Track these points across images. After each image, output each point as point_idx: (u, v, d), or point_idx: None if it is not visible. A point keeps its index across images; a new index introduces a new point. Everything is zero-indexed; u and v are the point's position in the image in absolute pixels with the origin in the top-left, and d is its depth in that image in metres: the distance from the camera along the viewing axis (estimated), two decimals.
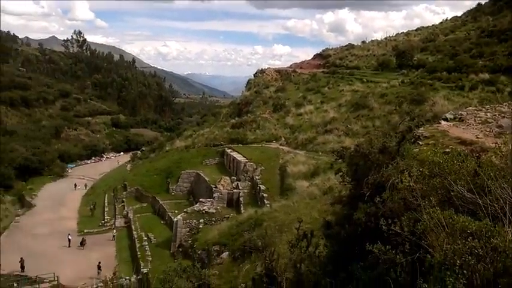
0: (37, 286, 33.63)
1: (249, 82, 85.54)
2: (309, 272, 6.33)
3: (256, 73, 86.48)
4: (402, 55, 60.31)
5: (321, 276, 6.16)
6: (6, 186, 67.87)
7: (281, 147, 46.64)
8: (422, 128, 10.55)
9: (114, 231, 45.64)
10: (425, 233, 4.23)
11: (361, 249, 6.05)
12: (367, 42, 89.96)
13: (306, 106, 56.40)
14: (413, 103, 39.99)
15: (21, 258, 37.06)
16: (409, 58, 58.75)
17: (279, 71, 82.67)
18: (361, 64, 70.24)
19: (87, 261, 37.86)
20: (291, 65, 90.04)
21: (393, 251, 4.77)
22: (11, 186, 68.79)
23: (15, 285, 32.84)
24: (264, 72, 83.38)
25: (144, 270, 32.51)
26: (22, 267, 36.59)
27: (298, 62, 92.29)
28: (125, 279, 30.64)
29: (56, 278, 34.11)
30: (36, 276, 34.60)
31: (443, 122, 10.45)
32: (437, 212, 4.18)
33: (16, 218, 53.81)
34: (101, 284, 33.22)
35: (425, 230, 4.21)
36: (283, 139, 49.78)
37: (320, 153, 39.00)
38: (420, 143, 9.03)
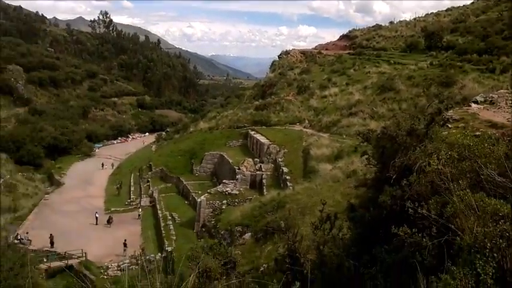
0: (66, 262, 34.75)
1: (273, 64, 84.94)
2: (332, 254, 6.30)
3: (280, 54, 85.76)
4: (431, 36, 58.66)
5: (344, 258, 6.13)
6: (36, 164, 69.85)
7: (305, 129, 46.37)
8: (451, 111, 10.29)
9: (140, 210, 46.54)
10: (455, 215, 4.13)
11: (386, 232, 5.98)
12: (395, 23, 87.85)
13: (331, 88, 55.72)
14: (441, 86, 39.03)
15: (51, 234, 38.24)
16: (438, 39, 57.12)
17: (303, 53, 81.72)
18: (388, 45, 68.74)
19: (113, 238, 38.80)
20: (316, 47, 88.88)
21: (419, 234, 4.68)
22: (41, 165, 70.76)
23: (45, 260, 33.97)
24: (289, 53, 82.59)
25: (169, 249, 33.15)
26: (52, 243, 37.76)
27: (324, 43, 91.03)
28: (151, 256, 31.34)
29: (83, 254, 35.19)
30: (65, 252, 35.69)
31: (473, 105, 10.15)
32: (468, 195, 4.07)
33: (45, 195, 55.37)
34: (127, 261, 34.12)
35: (455, 212, 4.11)
36: (306, 121, 49.45)
37: (344, 136, 38.63)
38: (449, 125, 8.80)
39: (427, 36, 59.85)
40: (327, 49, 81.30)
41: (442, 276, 3.47)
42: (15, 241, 36.47)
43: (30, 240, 38.23)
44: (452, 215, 4.17)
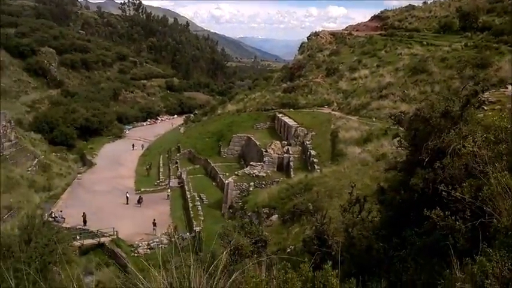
0: (98, 239, 35.86)
1: (302, 45, 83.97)
2: (362, 236, 6.26)
3: (309, 36, 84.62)
4: (466, 17, 56.55)
5: (374, 240, 6.09)
6: (69, 145, 71.83)
7: (333, 112, 45.89)
8: (487, 93, 9.96)
9: (169, 190, 47.34)
10: (491, 198, 4.02)
11: (417, 215, 5.89)
12: (428, 3, 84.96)
13: (361, 70, 54.75)
14: (476, 67, 37.74)
15: (84, 213, 39.42)
16: (474, 20, 55.02)
17: (333, 34, 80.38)
18: (421, 26, 66.76)
19: (143, 218, 39.68)
20: (346, 28, 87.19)
21: (452, 217, 4.59)
22: (74, 146, 72.72)
23: (78, 237, 35.11)
24: (318, 35, 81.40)
25: (197, 229, 33.70)
26: (84, 221, 38.94)
27: (354, 24, 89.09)
28: (184, 234, 31.98)
29: (115, 233, 36.19)
30: (97, 230, 36.79)
31: (510, 87, 9.79)
32: (506, 177, 3.94)
33: (78, 175, 56.97)
34: (157, 240, 34.93)
35: (491, 195, 3.99)
36: (335, 104, 48.89)
37: (374, 119, 38.04)
38: (485, 108, 8.53)
39: (462, 17, 57.74)
40: (357, 30, 79.65)
41: (477, 258, 3.40)
42: (50, 219, 37.74)
43: (64, 218, 39.51)
44: (488, 198, 4.06)
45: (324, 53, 69.38)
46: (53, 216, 39.37)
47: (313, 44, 78.20)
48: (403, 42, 60.72)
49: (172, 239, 25.14)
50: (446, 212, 4.76)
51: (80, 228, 37.70)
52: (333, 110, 47.36)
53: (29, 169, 52.82)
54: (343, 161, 28.17)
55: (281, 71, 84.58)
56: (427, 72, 43.91)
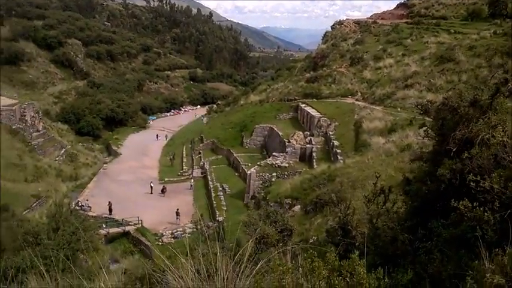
0: (123, 228, 36.59)
1: (325, 35, 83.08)
2: (386, 227, 6.20)
3: (333, 25, 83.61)
4: (495, 3, 54.78)
5: (399, 231, 6.02)
6: (95, 135, 73.25)
7: (357, 102, 45.37)
8: None
9: (192, 180, 47.83)
10: None
11: (443, 206, 5.79)
12: None
13: (386, 59, 53.85)
14: (506, 56, 36.63)
15: (109, 202, 40.22)
16: (504, 7, 53.27)
17: (358, 23, 79.16)
18: (448, 14, 65.10)
19: (167, 207, 40.24)
20: (371, 16, 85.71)
21: (481, 208, 4.50)
22: (99, 136, 74.13)
23: (104, 226, 35.88)
24: (342, 24, 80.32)
25: (220, 219, 34.00)
26: (110, 210, 39.76)
27: (380, 12, 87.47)
28: (209, 223, 32.30)
29: (139, 222, 36.86)
30: (123, 219, 37.52)
31: None
32: None
33: (104, 165, 58.07)
34: (180, 229, 35.42)
35: None
36: (359, 94, 48.29)
37: (399, 109, 37.45)
38: None
39: (491, 4, 55.98)
40: (382, 18, 78.22)
41: (507, 249, 3.33)
42: (77, 207, 38.66)
43: (90, 207, 40.42)
44: None
45: (348, 42, 68.47)
46: (80, 205, 40.31)
47: (337, 33, 77.24)
48: (430, 30, 59.37)
49: (198, 227, 25.48)
50: (475, 203, 4.67)
51: (105, 217, 38.52)
52: (356, 99, 46.82)
53: (57, 159, 54.12)
54: (366, 152, 27.88)
55: (304, 60, 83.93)
56: (454, 61, 42.88)
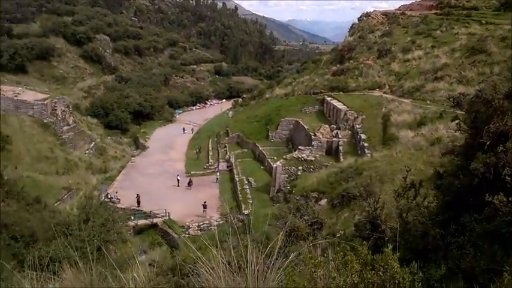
0: (151, 220, 37.21)
1: (352, 27, 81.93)
2: (417, 222, 6.10)
3: (360, 17, 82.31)
4: None
5: (430, 226, 5.91)
6: (123, 129, 74.55)
7: (385, 95, 44.65)
8: None
9: (218, 174, 48.16)
10: None
11: (476, 200, 5.65)
12: None
13: (415, 51, 52.73)
14: None
15: (137, 194, 40.94)
16: None
17: (385, 14, 77.67)
18: (480, 4, 63.15)
19: (193, 200, 40.67)
20: (399, 7, 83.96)
21: None
22: (127, 129, 75.42)
23: (132, 218, 36.57)
24: (369, 15, 78.97)
25: (246, 212, 34.16)
26: (138, 202, 40.47)
27: (408, 3, 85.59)
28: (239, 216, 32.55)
29: (167, 214, 37.39)
30: (150, 211, 38.16)
31: None
32: None
33: (132, 158, 59.09)
34: (207, 222, 35.77)
35: None
36: (387, 87, 47.50)
37: (428, 102, 36.68)
38: None
39: None
40: (411, 9, 76.53)
41: None
42: (106, 199, 39.56)
43: (119, 199, 41.23)
44: None
45: (375, 34, 67.33)
46: (109, 197, 41.17)
47: (364, 25, 76.05)
48: (460, 21, 57.75)
49: (228, 220, 25.71)
50: (510, 198, 4.54)
51: (134, 209, 39.23)
52: (384, 92, 46.09)
53: (86, 152, 55.37)
54: (395, 145, 27.44)
55: (330, 53, 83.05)
56: (486, 53, 41.61)
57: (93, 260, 3.89)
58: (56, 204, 36.71)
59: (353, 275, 2.57)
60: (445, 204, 6.38)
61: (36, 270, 3.79)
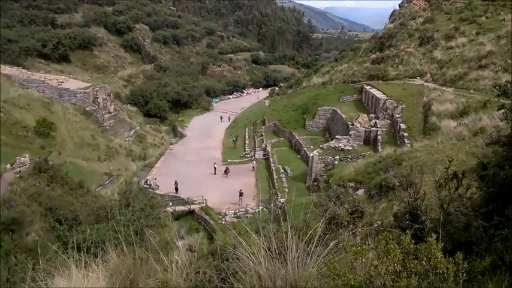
0: (189, 206, 37.91)
1: (393, 13, 79.77)
2: (460, 213, 5.94)
3: (401, 3, 79.96)
4: None
5: (473, 218, 5.75)
6: (161, 117, 75.98)
7: (426, 84, 43.39)
8: None
9: (254, 162, 48.39)
10: None
11: None
12: None
13: (458, 38, 50.84)
14: None
15: (176, 181, 41.74)
16: None
17: (428, 0, 75.14)
18: None
19: (230, 188, 41.06)
20: None
21: None
22: (166, 118, 76.83)
23: (170, 204, 37.35)
24: (411, 1, 76.55)
25: (282, 200, 34.20)
26: (176, 189, 41.28)
27: None
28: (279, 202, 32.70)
29: (204, 201, 37.98)
30: (188, 198, 38.86)
31: None
32: None
33: (170, 146, 60.22)
34: (243, 209, 36.11)
35: None
36: (428, 75, 46.10)
37: (471, 91, 35.39)
38: None
39: None
40: None
41: None
42: (145, 186, 40.53)
43: (158, 186, 42.18)
44: None
45: (417, 21, 65.32)
46: (148, 183, 42.17)
47: (405, 11, 73.88)
48: (507, 6, 55.11)
49: (265, 207, 25.91)
50: None
51: (172, 196, 40.05)
52: (425, 81, 44.78)
53: (127, 139, 56.86)
54: (436, 135, 26.66)
55: (370, 41, 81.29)
56: None
57: (135, 243, 4.01)
58: (97, 189, 37.95)
59: (395, 264, 2.54)
60: (489, 195, 6.19)
61: (79, 252, 3.95)
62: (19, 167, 28.51)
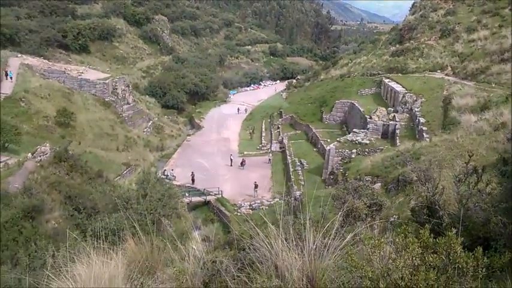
0: (204, 197, 38.19)
1: (413, 5, 78.41)
2: (479, 208, 5.86)
3: None
4: None
5: (492, 213, 5.67)
6: (179, 108, 76.35)
7: (446, 77, 42.69)
8: None
9: (270, 155, 48.41)
10: None
11: None
12: None
13: (480, 31, 49.76)
14: None
15: (192, 172, 42.06)
16: None
17: None
18: None
19: (245, 180, 41.22)
20: None
21: None
22: (183, 109, 77.17)
23: (187, 195, 37.67)
24: None
25: (297, 193, 34.18)
26: (193, 180, 41.62)
27: None
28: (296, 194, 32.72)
29: (220, 192, 38.22)
30: (204, 189, 39.13)
31: None
32: None
33: (187, 137, 60.59)
34: (258, 201, 36.21)
35: None
36: (449, 68, 45.33)
37: (493, 85, 34.70)
38: None
39: None
40: None
41: None
42: (163, 176, 40.89)
43: (175, 176, 42.57)
44: None
45: (438, 13, 64.10)
46: (165, 174, 42.57)
47: (426, 3, 72.51)
48: None
49: (281, 199, 26.00)
50: None
51: (188, 186, 40.40)
52: (446, 74, 44.06)
53: (145, 130, 57.36)
54: (455, 130, 26.28)
55: (389, 33, 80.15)
56: None
57: (152, 232, 4.07)
58: (116, 178, 38.46)
59: (414, 258, 2.53)
60: (509, 191, 6.08)
61: (97, 240, 4.01)
62: (40, 156, 29.01)
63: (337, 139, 39.74)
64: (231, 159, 47.09)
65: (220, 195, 38.01)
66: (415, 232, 3.05)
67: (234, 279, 3.18)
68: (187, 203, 36.69)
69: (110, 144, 46.71)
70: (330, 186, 31.80)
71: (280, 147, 50.60)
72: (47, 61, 60.34)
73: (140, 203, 23.16)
